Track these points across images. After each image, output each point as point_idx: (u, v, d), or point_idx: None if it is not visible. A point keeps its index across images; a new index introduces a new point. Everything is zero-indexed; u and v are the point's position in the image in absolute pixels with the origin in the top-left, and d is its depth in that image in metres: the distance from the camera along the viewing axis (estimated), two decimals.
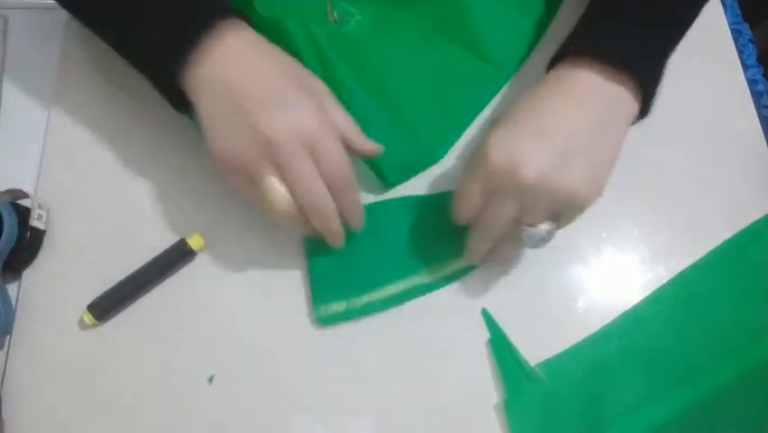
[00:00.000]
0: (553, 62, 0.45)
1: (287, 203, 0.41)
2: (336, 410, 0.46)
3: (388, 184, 0.51)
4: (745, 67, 0.57)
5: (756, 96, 0.57)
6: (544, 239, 0.43)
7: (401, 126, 0.50)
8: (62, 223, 0.50)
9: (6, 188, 0.50)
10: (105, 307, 0.47)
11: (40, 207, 0.49)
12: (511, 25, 0.55)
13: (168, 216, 0.50)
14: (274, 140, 0.39)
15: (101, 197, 0.51)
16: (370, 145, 0.45)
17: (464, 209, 0.44)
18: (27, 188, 0.51)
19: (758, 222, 0.51)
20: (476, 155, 0.43)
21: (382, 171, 0.50)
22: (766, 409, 0.46)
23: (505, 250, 0.47)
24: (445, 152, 0.52)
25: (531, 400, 0.45)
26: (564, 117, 0.41)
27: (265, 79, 0.41)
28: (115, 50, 0.45)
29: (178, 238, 0.49)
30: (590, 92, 0.42)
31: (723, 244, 0.50)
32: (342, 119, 0.44)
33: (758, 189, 0.52)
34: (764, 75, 0.61)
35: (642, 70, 0.42)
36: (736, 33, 0.59)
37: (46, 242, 0.50)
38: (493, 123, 0.44)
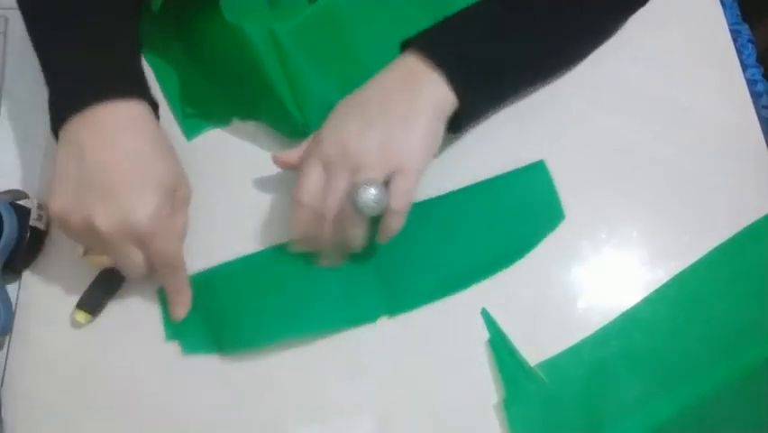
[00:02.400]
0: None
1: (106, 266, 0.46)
2: (336, 410, 0.46)
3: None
4: (745, 67, 0.57)
5: (756, 96, 0.57)
6: (373, 202, 0.43)
7: None
8: None
9: (6, 188, 0.50)
10: (94, 301, 0.47)
11: (40, 207, 0.49)
12: None
13: None
14: (104, 232, 0.41)
15: None
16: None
17: (304, 190, 0.45)
18: (27, 188, 0.51)
19: (758, 222, 0.51)
20: (309, 146, 0.47)
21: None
22: (766, 409, 0.46)
23: (349, 229, 0.45)
24: None
25: (531, 401, 0.45)
26: (382, 95, 0.45)
27: (118, 167, 0.42)
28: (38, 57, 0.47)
29: None
30: (410, 79, 0.45)
31: (723, 244, 0.50)
32: (182, 224, 0.46)
33: (758, 190, 0.52)
34: (764, 75, 0.61)
35: (453, 73, 0.45)
36: (735, 33, 0.59)
37: (46, 242, 0.50)
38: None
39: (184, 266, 0.46)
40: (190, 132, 0.53)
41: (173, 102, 0.54)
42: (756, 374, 0.46)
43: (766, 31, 0.72)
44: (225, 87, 0.53)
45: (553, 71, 0.54)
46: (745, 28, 0.63)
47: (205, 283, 0.48)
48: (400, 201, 0.43)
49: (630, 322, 0.48)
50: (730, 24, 0.58)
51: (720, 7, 0.58)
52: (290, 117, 0.50)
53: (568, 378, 0.46)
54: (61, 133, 0.43)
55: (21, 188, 0.50)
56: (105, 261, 0.46)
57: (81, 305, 0.47)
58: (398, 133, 0.43)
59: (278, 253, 0.49)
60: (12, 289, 0.48)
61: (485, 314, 0.48)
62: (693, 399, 0.46)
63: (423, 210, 0.49)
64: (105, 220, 0.41)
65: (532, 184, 0.51)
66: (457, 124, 0.47)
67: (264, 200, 0.51)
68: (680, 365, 0.47)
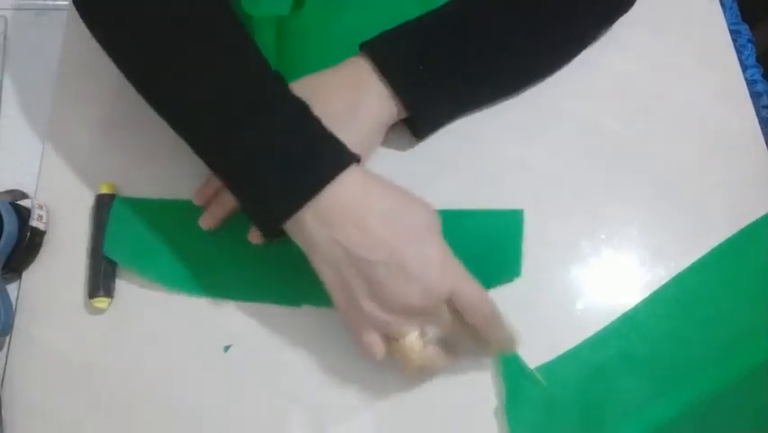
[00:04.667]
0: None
1: (421, 360, 0.41)
2: (335, 412, 0.46)
3: None
4: (744, 67, 0.57)
5: (755, 96, 0.57)
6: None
7: None
8: (62, 223, 0.50)
9: (6, 188, 0.50)
10: (105, 284, 0.47)
11: (40, 207, 0.49)
12: None
13: None
14: (415, 308, 0.39)
15: None
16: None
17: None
18: (27, 188, 0.51)
19: (757, 222, 0.51)
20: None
21: None
22: (766, 409, 0.46)
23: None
24: None
25: (531, 404, 0.45)
26: (320, 93, 0.44)
27: (387, 245, 0.38)
28: (201, 156, 0.42)
29: None
30: (350, 79, 0.46)
31: (722, 244, 0.50)
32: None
33: (757, 190, 0.52)
34: (763, 75, 0.61)
35: (399, 82, 0.45)
36: (734, 34, 0.59)
37: (46, 242, 0.50)
38: None
39: (498, 309, 0.41)
40: None
41: None
42: (756, 375, 0.46)
43: (766, 31, 0.72)
44: None
45: (519, 84, 0.53)
46: (744, 28, 0.63)
47: (165, 210, 0.49)
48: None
49: (629, 324, 0.48)
50: (730, 24, 0.58)
51: (720, 7, 0.59)
52: None
53: (567, 381, 0.46)
54: (297, 235, 0.40)
55: (21, 189, 0.50)
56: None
57: (94, 293, 0.47)
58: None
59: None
60: (12, 289, 0.48)
61: None
62: (693, 400, 0.46)
63: None
64: (408, 296, 0.38)
65: (502, 231, 0.50)
66: (415, 129, 0.46)
67: None
68: (679, 367, 0.47)
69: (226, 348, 0.47)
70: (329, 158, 0.39)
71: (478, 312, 0.40)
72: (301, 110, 0.40)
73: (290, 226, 0.40)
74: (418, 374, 0.43)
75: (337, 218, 0.38)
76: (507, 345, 0.43)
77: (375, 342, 0.41)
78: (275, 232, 0.41)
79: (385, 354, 0.41)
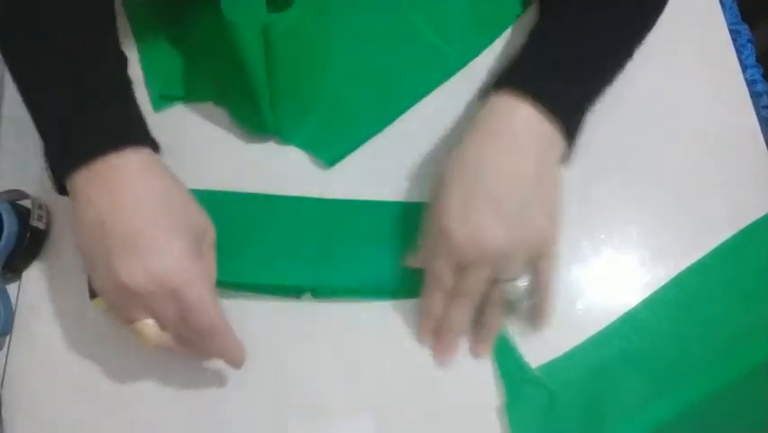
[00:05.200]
0: (489, 90, 0.45)
1: (155, 345, 0.41)
2: (336, 412, 0.46)
3: (327, 161, 0.52)
4: (744, 67, 0.57)
5: (755, 96, 0.57)
6: (525, 293, 0.44)
7: (329, 103, 0.53)
8: (62, 223, 0.50)
9: (6, 188, 0.50)
10: None
11: (40, 207, 0.49)
12: (480, 10, 0.55)
13: None
14: (135, 290, 0.38)
15: None
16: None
17: (438, 290, 0.45)
18: (27, 188, 0.51)
19: (757, 222, 0.51)
20: (431, 232, 0.44)
21: (313, 151, 0.52)
22: (766, 409, 0.46)
23: (492, 318, 0.46)
24: (380, 128, 0.53)
25: (532, 404, 0.45)
26: (510, 173, 0.42)
27: (135, 222, 0.39)
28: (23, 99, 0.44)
29: None
30: (527, 137, 0.43)
31: (722, 244, 0.50)
32: (213, 267, 0.44)
33: (757, 190, 0.52)
34: (763, 75, 0.61)
35: (569, 116, 0.44)
36: (734, 34, 0.59)
37: (46, 242, 0.50)
38: (437, 185, 0.44)
39: (224, 323, 0.41)
40: (158, 104, 0.53)
41: (150, 77, 0.54)
42: (756, 375, 0.46)
43: (765, 31, 0.72)
44: (208, 73, 0.54)
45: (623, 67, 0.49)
46: (744, 28, 0.63)
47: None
48: (550, 282, 0.44)
49: (629, 324, 0.48)
50: (730, 24, 0.58)
51: (720, 7, 0.58)
52: (261, 116, 0.50)
53: (569, 381, 0.46)
54: (71, 194, 0.41)
55: (21, 188, 0.50)
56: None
57: (96, 293, 0.47)
58: (539, 222, 0.42)
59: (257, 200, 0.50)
60: (12, 289, 0.48)
61: None
62: (694, 400, 0.46)
63: (385, 210, 0.50)
64: (132, 276, 0.38)
65: None
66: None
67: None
68: (680, 367, 0.47)
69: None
70: (124, 132, 0.41)
71: (195, 320, 0.40)
72: (120, 80, 0.43)
73: (70, 184, 0.41)
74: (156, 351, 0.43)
75: (104, 185, 0.39)
76: (229, 359, 0.43)
77: (120, 319, 0.42)
78: (62, 188, 0.42)
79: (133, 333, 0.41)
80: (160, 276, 0.38)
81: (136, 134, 0.42)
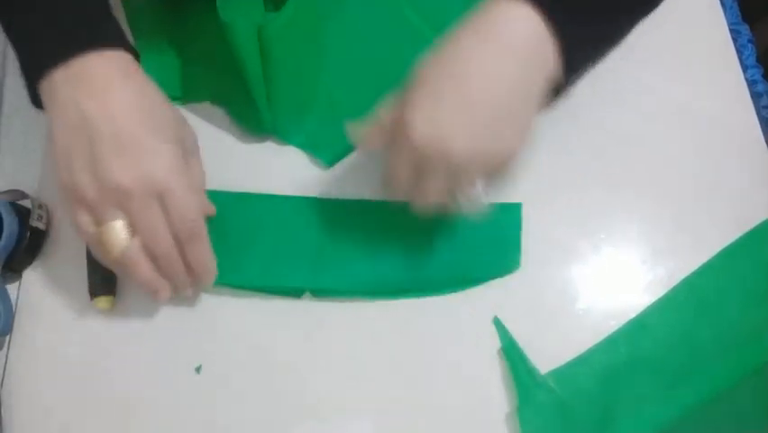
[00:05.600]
0: None
1: (120, 250, 0.40)
2: (338, 414, 0.46)
3: (326, 161, 0.52)
4: (745, 67, 0.57)
5: (756, 96, 0.57)
6: (479, 199, 0.42)
7: (327, 103, 0.53)
8: (62, 223, 0.50)
9: (6, 188, 0.50)
10: (106, 282, 0.47)
11: (40, 207, 0.49)
12: (474, 4, 0.55)
13: None
14: (123, 187, 0.38)
15: None
16: (211, 209, 0.47)
17: (396, 187, 0.42)
18: (27, 188, 0.51)
19: (762, 224, 0.50)
20: (397, 124, 0.40)
21: (312, 152, 0.52)
22: None
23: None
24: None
25: (543, 409, 0.45)
26: (490, 74, 0.38)
27: (124, 121, 0.39)
28: None
29: None
30: (517, 38, 0.38)
31: (729, 246, 0.50)
32: (199, 174, 0.45)
33: (757, 190, 0.52)
34: (764, 75, 0.61)
35: (570, 35, 0.38)
36: (735, 34, 0.59)
37: (46, 242, 0.50)
38: (409, 80, 0.40)
39: (206, 231, 0.43)
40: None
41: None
42: (765, 373, 0.46)
43: (766, 31, 0.72)
44: (204, 71, 0.54)
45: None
46: (745, 28, 0.63)
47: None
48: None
49: (639, 329, 0.47)
50: (730, 24, 0.58)
51: (720, 7, 0.58)
52: (259, 115, 0.50)
53: (578, 386, 0.46)
54: (46, 98, 0.40)
55: (21, 189, 0.50)
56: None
57: (96, 292, 0.47)
58: (509, 139, 0.39)
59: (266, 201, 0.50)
60: (12, 289, 0.48)
61: (497, 323, 0.48)
62: (705, 403, 0.45)
63: (386, 209, 0.50)
64: (122, 174, 0.38)
65: (501, 223, 0.50)
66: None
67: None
68: (691, 371, 0.46)
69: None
70: (101, 33, 0.41)
71: (179, 221, 0.40)
72: None
73: (46, 87, 0.40)
74: (117, 267, 0.42)
75: (86, 84, 0.39)
76: (202, 279, 0.44)
77: (85, 222, 0.40)
78: (35, 98, 0.41)
79: (96, 237, 0.40)
80: (152, 175, 0.39)
81: (114, 37, 0.41)
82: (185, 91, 0.54)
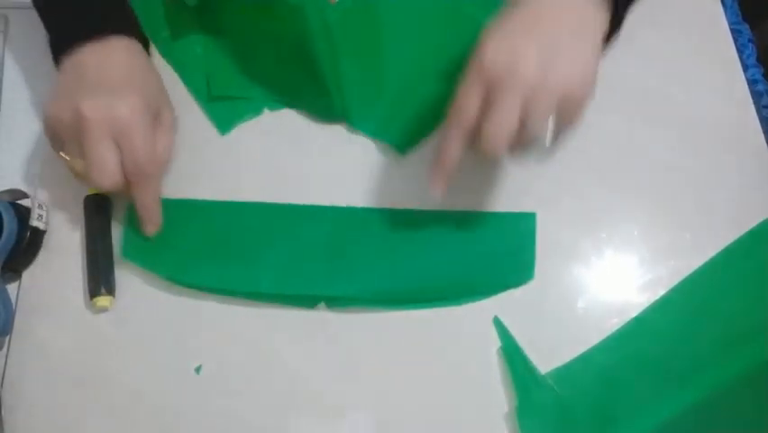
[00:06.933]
0: None
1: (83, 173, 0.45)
2: (338, 414, 0.46)
3: (399, 149, 0.52)
4: (745, 67, 0.57)
5: (756, 96, 0.57)
6: (546, 139, 0.42)
7: (397, 90, 0.53)
8: (62, 223, 0.50)
9: (6, 188, 0.50)
10: (104, 282, 0.47)
11: (40, 207, 0.49)
12: None
13: None
14: (84, 119, 0.43)
15: None
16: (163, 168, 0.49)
17: (464, 117, 0.42)
18: (27, 188, 0.51)
19: (762, 224, 0.50)
20: (470, 65, 0.42)
21: (384, 139, 0.52)
22: None
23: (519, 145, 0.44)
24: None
25: (543, 409, 0.45)
26: (553, 21, 0.42)
27: (110, 73, 0.45)
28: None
29: None
30: (573, 2, 0.43)
31: (728, 246, 0.50)
32: (164, 146, 0.47)
33: (758, 190, 0.52)
34: (764, 75, 0.61)
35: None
36: (735, 33, 0.59)
37: (46, 242, 0.50)
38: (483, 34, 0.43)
39: (157, 180, 0.47)
40: (223, 127, 0.53)
41: (200, 98, 0.54)
42: (764, 372, 0.46)
43: (766, 30, 0.72)
44: (258, 73, 0.53)
45: None
46: (745, 28, 0.63)
47: (178, 209, 0.49)
48: (575, 125, 0.42)
49: (639, 329, 0.47)
50: (730, 24, 0.58)
51: (721, 7, 0.58)
52: (330, 100, 0.50)
53: (578, 386, 0.46)
54: (63, 62, 0.46)
55: (21, 188, 0.50)
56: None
57: (95, 292, 0.47)
58: (569, 69, 0.41)
59: (250, 209, 0.50)
60: (12, 289, 0.48)
61: (497, 322, 0.48)
62: (705, 404, 0.45)
63: (401, 219, 0.50)
64: (90, 110, 0.43)
65: (516, 234, 0.50)
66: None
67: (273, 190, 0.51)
68: (690, 371, 0.46)
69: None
70: (116, 20, 0.49)
71: (131, 163, 0.44)
72: None
73: (67, 57, 0.46)
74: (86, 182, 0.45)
75: (95, 54, 0.46)
76: (145, 226, 0.48)
77: (56, 147, 0.46)
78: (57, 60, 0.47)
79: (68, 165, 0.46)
80: (113, 114, 0.43)
81: (124, 27, 0.48)
82: (238, 87, 0.54)
